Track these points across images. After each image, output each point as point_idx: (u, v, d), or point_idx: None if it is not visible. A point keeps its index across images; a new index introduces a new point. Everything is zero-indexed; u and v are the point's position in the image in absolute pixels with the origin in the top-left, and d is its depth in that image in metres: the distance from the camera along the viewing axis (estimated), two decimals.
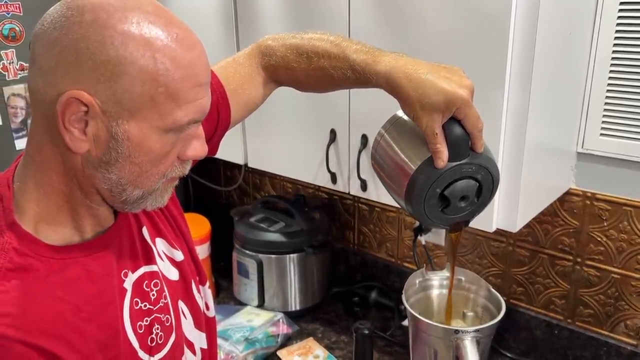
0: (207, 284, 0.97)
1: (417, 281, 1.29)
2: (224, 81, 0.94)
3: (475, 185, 0.82)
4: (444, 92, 0.75)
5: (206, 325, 0.94)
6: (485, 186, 0.83)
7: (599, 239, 1.38)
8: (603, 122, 1.31)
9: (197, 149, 0.73)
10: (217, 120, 0.94)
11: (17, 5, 1.60)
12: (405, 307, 1.22)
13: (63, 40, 0.63)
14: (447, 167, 0.79)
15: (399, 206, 0.89)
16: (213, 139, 0.95)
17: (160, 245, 0.87)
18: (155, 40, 0.64)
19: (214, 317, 0.99)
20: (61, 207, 0.71)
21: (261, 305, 1.80)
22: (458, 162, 0.79)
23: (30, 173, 0.71)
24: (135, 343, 0.76)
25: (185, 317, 0.88)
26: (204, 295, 0.96)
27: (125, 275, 0.78)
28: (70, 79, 0.63)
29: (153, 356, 0.79)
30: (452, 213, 0.85)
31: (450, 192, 0.81)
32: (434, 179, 0.80)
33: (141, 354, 0.77)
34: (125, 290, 0.77)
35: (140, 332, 0.77)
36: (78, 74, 0.63)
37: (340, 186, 1.43)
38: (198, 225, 1.87)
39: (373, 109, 1.19)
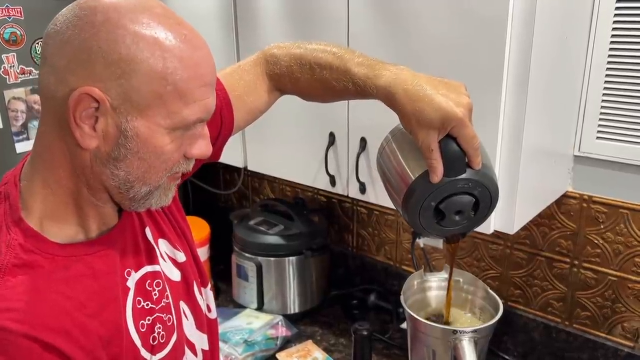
0: (209, 285, 0.98)
1: (416, 282, 1.29)
2: (229, 88, 0.96)
3: (471, 201, 0.84)
4: (440, 110, 0.76)
5: (208, 326, 0.95)
6: (482, 202, 0.84)
7: (595, 241, 1.39)
8: (599, 125, 1.32)
9: (203, 147, 0.75)
10: (220, 126, 0.95)
11: (19, 10, 1.61)
12: (403, 308, 1.23)
13: (75, 39, 0.65)
14: (442, 182, 0.80)
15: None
16: (216, 144, 0.96)
17: (162, 246, 0.88)
18: (164, 40, 0.66)
19: (216, 318, 1.00)
20: (68, 204, 0.73)
21: (260, 307, 1.80)
22: (453, 178, 0.80)
23: (37, 171, 0.72)
24: (137, 341, 0.77)
25: (187, 318, 0.89)
26: (206, 297, 0.96)
27: (129, 274, 0.79)
28: (82, 77, 0.65)
29: (155, 355, 0.80)
30: (447, 225, 0.86)
31: (445, 206, 0.83)
32: (428, 193, 0.81)
33: (143, 352, 0.78)
34: (128, 288, 0.78)
35: (143, 330, 0.78)
36: (90, 72, 0.65)
37: (339, 189, 1.44)
38: (197, 228, 1.87)
39: (372, 113, 1.20)
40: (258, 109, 1.01)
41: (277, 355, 1.63)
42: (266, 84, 0.99)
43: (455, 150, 0.79)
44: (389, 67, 0.83)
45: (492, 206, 0.86)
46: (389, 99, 0.81)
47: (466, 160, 0.80)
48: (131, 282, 0.78)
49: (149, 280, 0.81)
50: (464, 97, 0.78)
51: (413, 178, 0.82)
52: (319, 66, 0.90)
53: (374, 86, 0.83)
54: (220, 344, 1.58)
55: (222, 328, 1.67)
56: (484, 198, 0.84)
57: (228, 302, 1.90)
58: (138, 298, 0.78)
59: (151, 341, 0.79)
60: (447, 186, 0.81)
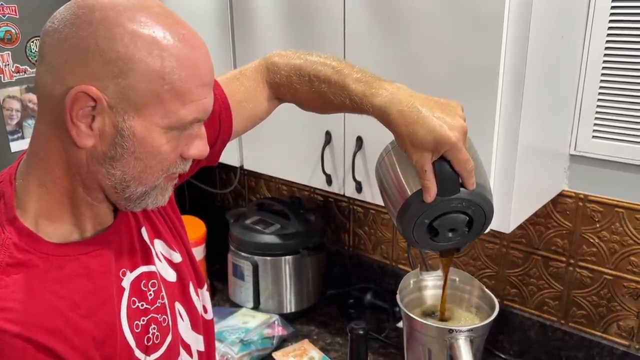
0: (205, 286, 0.98)
1: (412, 281, 1.29)
2: (229, 93, 0.96)
3: (465, 219, 0.85)
4: (433, 134, 0.77)
5: (204, 327, 0.94)
6: (476, 220, 0.85)
7: (591, 240, 1.39)
8: (595, 124, 1.32)
9: (200, 147, 0.74)
10: (219, 130, 0.95)
11: (14, 8, 1.60)
12: (399, 307, 1.23)
13: (73, 37, 0.65)
14: (436, 202, 0.81)
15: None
16: (214, 148, 0.95)
17: (158, 247, 0.88)
18: (162, 39, 0.66)
19: (212, 319, 0.99)
20: (63, 203, 0.72)
21: (256, 307, 1.80)
22: (447, 198, 0.81)
23: (33, 170, 0.72)
24: (131, 342, 0.76)
25: (182, 319, 0.89)
26: (202, 298, 0.96)
27: (124, 274, 0.78)
28: (79, 75, 0.65)
29: (149, 356, 0.79)
30: (441, 241, 0.87)
31: (439, 224, 0.84)
32: (422, 211, 0.82)
33: (137, 353, 0.77)
34: (123, 289, 0.77)
35: (137, 331, 0.78)
36: (87, 70, 0.64)
37: (335, 188, 1.44)
38: (193, 228, 1.87)
39: None
40: (257, 116, 1.01)
41: (274, 355, 1.63)
42: (266, 92, 0.99)
43: (449, 171, 0.80)
44: (386, 86, 0.84)
45: (486, 224, 0.87)
46: (384, 119, 0.82)
47: (460, 180, 0.81)
48: (126, 283, 0.78)
49: (144, 281, 0.81)
50: (458, 119, 0.79)
51: (409, 194, 0.83)
52: (317, 79, 0.90)
53: (370, 104, 0.84)
54: (216, 344, 1.58)
55: (218, 327, 1.66)
56: (478, 216, 0.85)
57: (224, 301, 1.90)
58: (133, 298, 0.78)
59: (145, 342, 0.79)
60: (440, 205, 0.82)
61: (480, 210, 0.84)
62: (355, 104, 0.86)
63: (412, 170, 0.82)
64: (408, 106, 0.79)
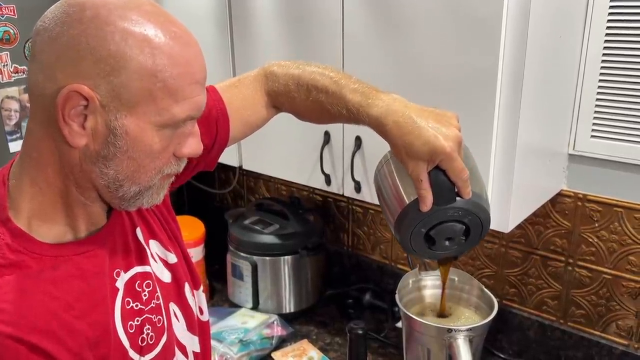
0: (201, 288, 0.98)
1: (411, 281, 1.29)
2: (227, 100, 0.96)
3: (461, 228, 0.85)
4: (428, 144, 0.78)
5: (199, 328, 0.94)
6: (473, 229, 0.85)
7: (590, 239, 1.39)
8: (594, 124, 1.32)
9: (193, 146, 0.74)
10: (216, 135, 0.96)
11: (12, 8, 1.61)
12: (398, 307, 1.23)
13: (64, 36, 0.65)
14: (432, 211, 0.81)
15: None
16: (211, 153, 0.96)
17: (153, 247, 0.87)
18: (154, 37, 0.66)
19: (208, 321, 0.99)
20: (56, 203, 0.72)
21: (255, 307, 1.80)
22: (443, 207, 0.81)
23: (26, 170, 0.72)
24: (125, 342, 0.76)
25: (178, 320, 0.89)
26: (198, 299, 0.96)
27: (118, 274, 0.78)
28: (70, 74, 0.64)
29: (143, 356, 0.79)
30: (438, 250, 0.88)
31: (436, 233, 0.85)
32: (419, 220, 0.83)
33: (131, 353, 0.77)
34: (117, 289, 0.77)
35: (131, 331, 0.78)
36: (79, 69, 0.64)
37: (334, 188, 1.44)
38: (192, 228, 1.87)
39: None
40: (255, 123, 1.02)
41: (273, 355, 1.63)
42: (264, 100, 1.00)
43: (444, 181, 0.80)
44: (382, 97, 0.84)
45: (483, 232, 0.87)
46: (380, 129, 0.83)
47: (455, 190, 0.81)
48: (120, 283, 0.78)
49: (138, 281, 0.81)
50: (453, 129, 0.79)
51: (406, 203, 0.83)
52: (315, 89, 0.91)
53: (366, 115, 0.85)
54: (216, 344, 1.58)
55: (217, 328, 1.67)
56: (475, 225, 0.85)
57: (223, 301, 1.89)
58: (127, 299, 0.78)
59: (140, 342, 0.79)
60: (437, 214, 0.82)
61: (476, 219, 0.84)
62: (352, 114, 0.87)
63: (409, 180, 0.82)
64: (403, 117, 0.80)
